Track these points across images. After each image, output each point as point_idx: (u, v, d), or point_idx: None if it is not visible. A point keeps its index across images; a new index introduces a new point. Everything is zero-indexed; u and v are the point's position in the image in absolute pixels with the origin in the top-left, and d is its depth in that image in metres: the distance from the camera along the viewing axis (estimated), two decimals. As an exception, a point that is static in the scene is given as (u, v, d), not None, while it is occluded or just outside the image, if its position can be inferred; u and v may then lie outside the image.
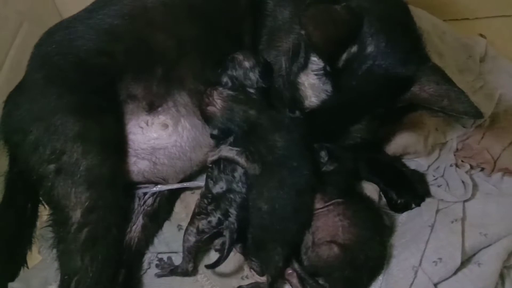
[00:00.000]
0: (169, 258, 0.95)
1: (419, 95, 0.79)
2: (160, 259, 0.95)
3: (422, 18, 1.03)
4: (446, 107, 0.77)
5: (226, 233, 0.87)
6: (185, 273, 0.91)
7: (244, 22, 1.01)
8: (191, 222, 0.90)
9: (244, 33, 1.01)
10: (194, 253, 0.90)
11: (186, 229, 0.90)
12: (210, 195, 0.90)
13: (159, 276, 0.93)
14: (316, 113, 0.84)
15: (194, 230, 0.88)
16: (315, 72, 0.82)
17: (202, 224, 0.88)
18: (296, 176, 0.87)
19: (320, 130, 0.87)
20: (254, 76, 0.97)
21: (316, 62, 0.82)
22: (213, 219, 0.87)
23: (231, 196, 0.89)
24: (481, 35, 1.23)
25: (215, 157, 0.92)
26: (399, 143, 1.00)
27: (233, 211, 0.88)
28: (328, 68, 0.79)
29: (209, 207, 0.89)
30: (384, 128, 0.91)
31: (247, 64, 0.97)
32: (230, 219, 0.87)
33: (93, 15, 0.97)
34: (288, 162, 0.88)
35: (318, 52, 0.79)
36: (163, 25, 0.98)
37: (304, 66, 0.84)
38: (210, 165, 0.93)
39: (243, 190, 0.89)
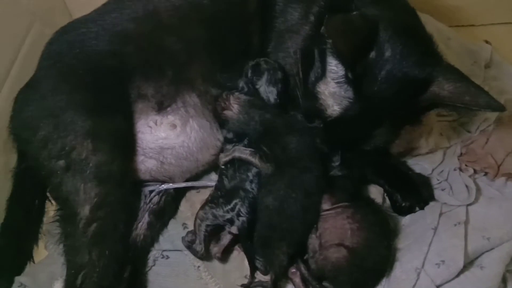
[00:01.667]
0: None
1: (439, 94, 0.80)
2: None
3: (428, 23, 1.03)
4: (468, 103, 0.79)
5: (237, 231, 0.89)
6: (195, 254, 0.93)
7: (252, 24, 1.02)
8: (202, 207, 0.93)
9: (252, 35, 1.02)
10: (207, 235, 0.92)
11: (197, 214, 0.93)
12: (223, 189, 0.92)
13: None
14: (339, 121, 0.84)
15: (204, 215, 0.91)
16: (336, 80, 0.82)
17: (212, 212, 0.90)
18: (306, 177, 0.88)
19: (343, 137, 0.88)
20: (275, 85, 0.99)
21: (334, 70, 0.82)
22: (220, 213, 0.89)
23: (244, 194, 0.90)
24: (486, 42, 1.24)
25: (228, 158, 0.94)
26: (404, 137, 1.00)
27: (244, 210, 0.89)
28: (349, 75, 0.80)
29: (221, 200, 0.91)
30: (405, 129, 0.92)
31: (270, 71, 0.99)
32: (241, 218, 0.89)
33: (106, 17, 0.99)
34: (299, 163, 0.89)
35: (343, 60, 0.80)
36: (173, 28, 0.99)
37: (322, 75, 0.84)
38: (223, 166, 0.94)
39: (255, 190, 0.91)
